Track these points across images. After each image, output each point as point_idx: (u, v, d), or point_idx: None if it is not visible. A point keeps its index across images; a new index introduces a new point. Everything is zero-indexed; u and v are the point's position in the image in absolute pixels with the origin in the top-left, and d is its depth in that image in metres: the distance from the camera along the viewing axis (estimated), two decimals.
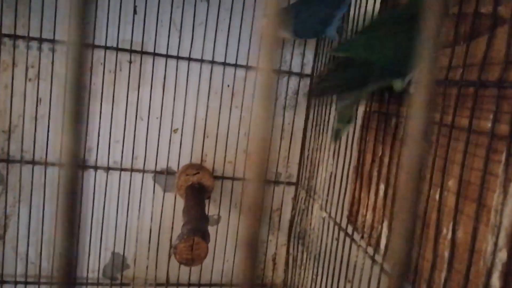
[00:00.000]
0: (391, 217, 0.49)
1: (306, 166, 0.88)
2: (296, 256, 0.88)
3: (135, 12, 0.81)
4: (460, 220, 0.39)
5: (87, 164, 0.85)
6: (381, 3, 0.59)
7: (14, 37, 0.78)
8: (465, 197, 0.38)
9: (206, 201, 0.88)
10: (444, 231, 0.41)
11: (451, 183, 0.40)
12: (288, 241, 0.95)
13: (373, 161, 0.55)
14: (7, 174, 0.82)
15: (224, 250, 0.91)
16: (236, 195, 0.91)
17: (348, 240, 0.60)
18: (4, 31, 0.78)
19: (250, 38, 0.85)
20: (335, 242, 0.65)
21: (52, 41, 0.79)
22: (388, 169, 0.50)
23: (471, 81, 0.37)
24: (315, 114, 0.85)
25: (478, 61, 0.37)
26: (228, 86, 0.87)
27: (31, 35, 0.79)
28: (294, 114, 0.90)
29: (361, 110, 0.62)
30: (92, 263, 0.88)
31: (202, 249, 0.53)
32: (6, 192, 0.83)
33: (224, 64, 0.85)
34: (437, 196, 0.42)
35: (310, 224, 0.82)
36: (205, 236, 0.55)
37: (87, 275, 0.88)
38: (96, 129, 0.83)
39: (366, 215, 0.57)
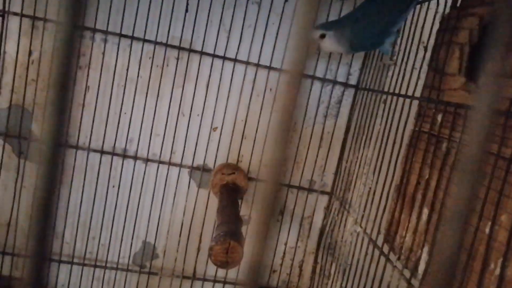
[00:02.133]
0: (433, 243, 0.48)
1: (343, 177, 0.87)
2: (324, 266, 0.88)
3: (186, 10, 0.82)
4: (511, 257, 0.37)
5: (127, 154, 0.87)
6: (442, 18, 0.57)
7: None
8: None
9: (239, 202, 0.88)
10: (492, 266, 0.39)
11: (504, 218, 0.39)
12: (317, 250, 0.94)
13: (418, 183, 0.54)
14: None
15: (252, 251, 0.92)
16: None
17: (383, 259, 0.59)
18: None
19: None
20: (367, 259, 0.64)
21: (105, 32, 0.82)
22: (434, 193, 0.49)
23: None
24: (357, 127, 0.84)
25: None
26: (271, 90, 0.87)
27: (85, 25, 0.81)
28: (335, 123, 0.89)
29: (409, 128, 0.60)
30: (124, 250, 0.91)
31: (237, 253, 0.53)
32: None
33: (269, 68, 0.85)
34: (487, 230, 0.40)
35: (342, 236, 0.81)
36: (241, 240, 0.56)
37: (118, 260, 0.91)
38: (139, 121, 0.85)
39: (405, 236, 0.56)
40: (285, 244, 0.94)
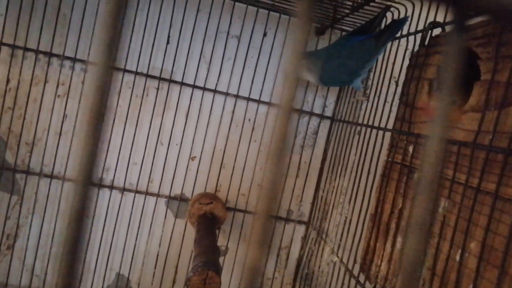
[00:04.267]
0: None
1: (319, 207, 0.88)
2: None
3: (168, 42, 0.84)
4: (481, 284, 0.39)
5: (103, 184, 0.86)
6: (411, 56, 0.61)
7: (50, 54, 0.81)
8: (487, 261, 0.38)
9: (216, 232, 0.88)
10: None
11: (473, 246, 0.40)
12: (294, 280, 0.94)
13: (392, 212, 0.55)
14: (25, 185, 0.84)
15: (229, 282, 0.90)
16: (247, 228, 0.91)
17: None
18: (41, 48, 0.81)
19: (276, 76, 0.87)
20: None
21: (85, 61, 0.82)
22: (407, 222, 0.51)
23: (500, 148, 0.38)
24: (333, 157, 0.86)
25: (509, 128, 0.38)
26: (249, 120, 0.89)
27: (66, 54, 0.82)
28: (312, 154, 0.91)
29: (382, 159, 0.63)
30: (96, 281, 0.88)
31: (215, 283, 0.53)
32: (21, 203, 0.84)
33: (248, 99, 0.87)
34: (458, 257, 0.42)
35: (319, 266, 0.81)
36: (219, 270, 0.55)
37: None
38: (117, 150, 0.85)
39: (380, 265, 0.57)
40: (263, 275, 0.93)
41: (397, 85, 0.65)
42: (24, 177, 0.84)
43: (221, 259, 0.91)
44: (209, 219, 0.81)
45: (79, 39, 0.81)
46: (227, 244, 0.91)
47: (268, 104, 0.88)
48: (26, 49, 0.80)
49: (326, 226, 0.83)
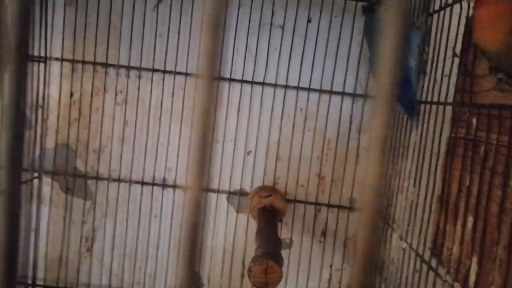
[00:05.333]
0: (481, 252, 0.45)
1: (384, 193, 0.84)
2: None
3: None
4: None
5: (166, 183, 0.89)
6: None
7: (106, 65, 0.86)
8: None
9: (279, 224, 0.88)
10: None
11: None
12: None
13: (460, 191, 0.51)
14: (96, 190, 0.89)
15: (297, 275, 0.90)
16: (309, 219, 0.89)
17: (432, 274, 0.56)
18: (98, 59, 0.86)
19: (324, 62, 0.84)
20: (416, 275, 0.61)
21: (139, 68, 0.86)
22: (477, 200, 0.47)
23: None
24: (393, 139, 0.82)
25: None
26: (301, 109, 0.87)
27: (120, 63, 0.86)
28: (370, 138, 0.87)
29: (445, 135, 0.58)
30: (170, 279, 0.92)
31: (276, 273, 0.52)
32: (95, 208, 0.90)
33: (298, 88, 0.86)
34: None
35: (389, 254, 0.78)
36: (279, 260, 0.55)
37: None
38: (175, 150, 0.88)
39: (452, 248, 0.53)
40: (331, 267, 0.91)
41: (455, 56, 0.60)
42: (94, 183, 0.89)
43: (286, 252, 0.90)
44: (269, 211, 0.81)
45: (131, 48, 0.85)
46: (291, 237, 0.91)
47: (319, 91, 0.86)
48: (84, 62, 0.85)
49: (392, 212, 0.80)
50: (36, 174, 0.87)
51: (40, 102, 0.86)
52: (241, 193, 0.89)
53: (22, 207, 0.84)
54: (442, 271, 0.55)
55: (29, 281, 0.88)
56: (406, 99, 0.70)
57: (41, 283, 0.89)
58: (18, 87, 0.14)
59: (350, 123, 0.88)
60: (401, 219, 0.72)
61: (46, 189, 0.89)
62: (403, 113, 0.75)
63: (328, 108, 0.87)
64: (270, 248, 0.57)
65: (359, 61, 0.85)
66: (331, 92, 0.86)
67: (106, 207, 0.90)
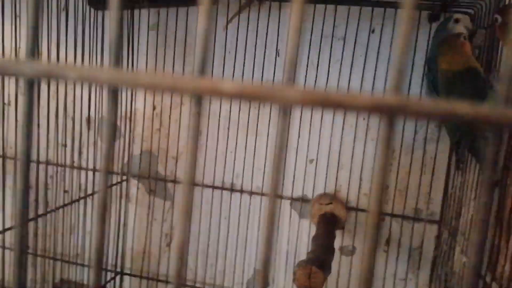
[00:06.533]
0: None
1: (450, 204, 0.82)
2: None
3: (277, 54, 0.90)
4: None
5: (234, 188, 0.96)
6: None
7: None
8: None
9: (340, 232, 0.89)
10: None
11: None
12: (430, 282, 0.88)
13: None
14: (174, 192, 1.00)
15: (359, 282, 0.91)
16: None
17: None
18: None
19: (386, 72, 0.84)
20: None
21: None
22: None
23: None
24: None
25: None
26: (364, 119, 0.88)
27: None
28: (437, 147, 0.85)
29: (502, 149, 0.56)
30: (238, 276, 0.99)
31: (318, 278, 0.55)
32: (173, 207, 1.01)
33: None
34: None
35: (451, 267, 0.76)
36: (324, 267, 0.58)
37: (232, 286, 0.99)
38: (242, 157, 0.94)
39: (504, 265, 0.52)
40: (394, 276, 0.90)
41: None
42: (173, 186, 1.00)
43: (349, 259, 0.92)
44: (329, 219, 0.84)
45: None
46: (353, 244, 0.92)
47: None
48: None
49: (457, 224, 0.77)
50: (124, 177, 1.01)
51: (129, 115, 0.99)
52: (303, 199, 0.93)
53: (113, 206, 0.97)
54: (495, 287, 0.53)
55: (118, 269, 1.01)
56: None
57: (128, 271, 1.02)
58: (115, 102, 0.18)
59: (415, 133, 0.86)
60: (463, 233, 0.70)
61: (133, 190, 1.02)
62: None
63: None
64: (318, 255, 0.60)
65: (423, 70, 0.83)
66: None
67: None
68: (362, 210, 0.90)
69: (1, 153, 0.84)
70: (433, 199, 0.87)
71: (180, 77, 0.17)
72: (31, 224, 0.77)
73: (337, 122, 0.89)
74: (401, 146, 0.87)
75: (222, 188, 0.96)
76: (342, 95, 0.15)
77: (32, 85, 0.18)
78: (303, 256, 0.93)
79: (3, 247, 0.69)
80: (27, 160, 0.19)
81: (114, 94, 0.18)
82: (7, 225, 0.75)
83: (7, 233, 0.71)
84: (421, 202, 0.88)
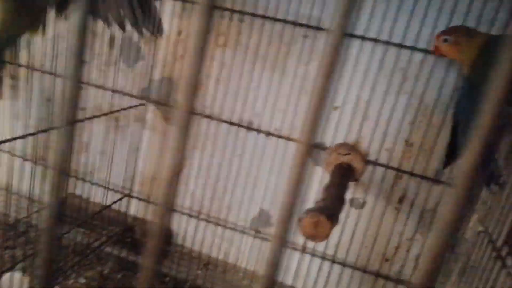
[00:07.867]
0: None
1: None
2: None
3: None
4: None
5: (251, 127, 0.93)
6: None
7: (213, 7, 0.89)
8: None
9: (353, 183, 0.87)
10: None
11: None
12: None
13: None
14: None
15: (363, 236, 0.90)
16: (387, 184, 0.87)
17: (499, 263, 0.52)
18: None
19: (437, 19, 0.77)
20: (483, 260, 0.58)
21: (241, 12, 0.88)
22: None
23: None
24: None
25: None
26: (401, 69, 0.82)
27: (226, 6, 0.89)
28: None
29: None
30: (244, 213, 0.98)
31: (325, 228, 0.53)
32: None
33: (401, 45, 0.80)
34: None
35: (463, 233, 0.73)
36: (332, 217, 0.56)
37: (237, 222, 0.99)
38: (263, 96, 0.90)
39: None
40: (401, 235, 0.89)
41: None
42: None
43: (357, 212, 0.90)
44: (345, 169, 0.81)
45: None
46: (364, 197, 0.90)
47: (424, 51, 0.80)
48: (193, 2, 0.90)
49: (480, 192, 0.74)
50: (143, 101, 0.98)
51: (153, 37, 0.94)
52: (321, 147, 0.89)
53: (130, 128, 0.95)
54: (510, 262, 0.51)
55: (126, 191, 1.02)
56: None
57: (135, 195, 1.03)
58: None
59: (453, 90, 0.80)
60: (484, 201, 0.67)
61: (149, 116, 1.00)
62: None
63: (431, 72, 0.81)
64: (328, 204, 0.58)
65: (478, 20, 0.75)
66: None
67: (197, 140, 0.98)
68: (381, 165, 0.86)
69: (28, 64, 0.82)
70: (457, 163, 0.83)
71: None
72: (42, 136, 0.76)
73: (371, 70, 0.83)
74: (436, 102, 0.81)
75: (239, 125, 0.93)
76: None
77: None
78: (309, 203, 0.92)
79: (13, 155, 0.68)
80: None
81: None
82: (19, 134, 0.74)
83: (18, 141, 0.70)
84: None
